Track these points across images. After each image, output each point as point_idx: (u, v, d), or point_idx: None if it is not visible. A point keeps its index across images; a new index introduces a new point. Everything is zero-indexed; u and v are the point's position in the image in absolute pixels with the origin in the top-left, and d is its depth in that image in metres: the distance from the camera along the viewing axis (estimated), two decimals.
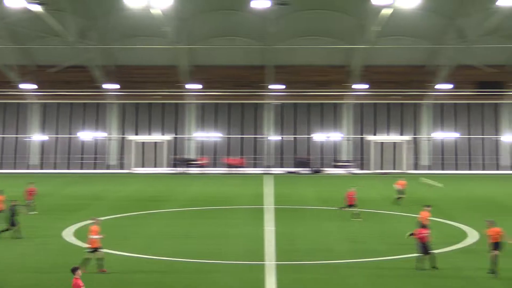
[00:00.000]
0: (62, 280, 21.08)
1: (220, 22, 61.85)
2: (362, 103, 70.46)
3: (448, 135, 71.32)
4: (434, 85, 67.12)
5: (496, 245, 21.70)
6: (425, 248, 22.63)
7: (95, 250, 22.18)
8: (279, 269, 22.71)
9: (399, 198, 40.70)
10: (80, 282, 15.95)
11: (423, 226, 24.91)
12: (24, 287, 20.43)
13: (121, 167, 69.88)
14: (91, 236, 22.36)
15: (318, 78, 68.55)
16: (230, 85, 68.33)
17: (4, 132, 70.61)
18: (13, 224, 28.12)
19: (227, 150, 70.25)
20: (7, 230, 28.13)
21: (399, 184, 41.26)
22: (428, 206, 28.75)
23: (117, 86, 67.03)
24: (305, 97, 69.23)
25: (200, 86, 67.20)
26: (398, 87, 68.23)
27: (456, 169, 69.74)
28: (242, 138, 70.44)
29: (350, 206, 35.00)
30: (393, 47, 63.49)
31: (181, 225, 32.95)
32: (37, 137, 70.30)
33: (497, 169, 70.28)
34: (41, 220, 33.86)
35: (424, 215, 27.81)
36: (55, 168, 69.39)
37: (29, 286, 20.53)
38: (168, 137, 70.37)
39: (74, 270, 16.19)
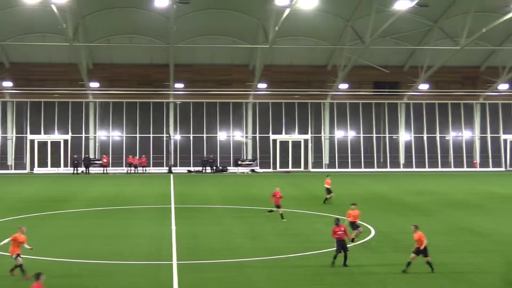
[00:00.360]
0: None
1: (121, 20, 61.08)
2: (267, 102, 71.28)
3: (347, 133, 73.14)
4: (334, 85, 68.77)
5: (423, 250, 22.06)
6: (342, 246, 22.97)
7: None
8: (181, 268, 22.80)
9: (327, 198, 40.43)
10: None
11: (352, 224, 25.79)
12: None
13: (20, 167, 67.93)
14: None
15: (220, 77, 68.92)
16: (132, 83, 67.70)
17: None
18: None
19: (129, 149, 69.49)
20: None
21: (327, 183, 40.94)
22: (354, 204, 28.51)
23: (11, 84, 65.29)
24: (207, 96, 69.42)
25: (97, 85, 66.38)
26: (299, 87, 69.54)
27: (351, 167, 71.66)
28: (144, 137, 69.85)
29: (278, 206, 34.19)
30: (293, 47, 64.59)
31: (83, 225, 32.48)
32: None
33: (397, 167, 72.66)
34: None
35: (353, 213, 27.94)
36: None
37: None
38: (68, 136, 68.94)
39: (38, 276, 16.74)
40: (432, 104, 73.84)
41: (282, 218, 33.76)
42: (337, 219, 23.67)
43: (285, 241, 28.43)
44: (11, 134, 68.45)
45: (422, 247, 21.98)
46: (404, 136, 73.75)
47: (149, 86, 68.03)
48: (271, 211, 34.35)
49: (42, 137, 68.66)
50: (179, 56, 65.04)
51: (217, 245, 27.45)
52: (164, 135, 69.85)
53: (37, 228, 30.45)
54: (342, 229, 23.30)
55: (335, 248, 23.15)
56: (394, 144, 73.76)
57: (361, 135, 72.92)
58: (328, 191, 40.83)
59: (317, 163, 72.00)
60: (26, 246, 22.17)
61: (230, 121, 71.49)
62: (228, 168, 69.24)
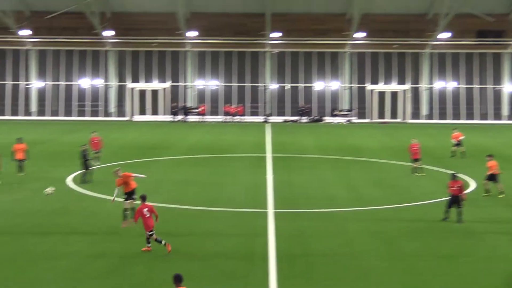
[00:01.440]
0: (61, 225, 21.31)
1: None
2: (363, 52, 70.00)
3: (448, 84, 71.04)
4: (434, 34, 66.64)
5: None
6: (455, 201, 22.17)
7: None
8: (277, 216, 22.92)
9: (455, 151, 39.14)
10: (146, 210, 18.21)
11: (492, 177, 25.82)
12: (24, 230, 20.62)
13: (120, 115, 69.75)
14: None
15: (316, 26, 67.97)
16: (228, 32, 67.78)
17: (3, 79, 70.22)
18: (86, 167, 28.76)
19: (226, 98, 70.05)
20: (85, 173, 28.94)
21: (455, 137, 39.53)
22: (490, 155, 27.62)
23: (113, 33, 66.55)
24: (304, 46, 68.74)
25: (197, 34, 66.77)
26: (398, 36, 67.73)
27: (455, 119, 69.63)
28: (241, 86, 70.19)
29: (415, 160, 32.48)
30: None
31: (181, 172, 33.10)
32: (36, 84, 70.01)
33: (499, 119, 70.15)
34: (41, 167, 33.97)
35: (492, 164, 27.12)
36: (54, 115, 69.24)
37: (29, 229, 20.72)
38: (167, 84, 70.09)
39: (143, 198, 18.56)
40: None
41: (417, 173, 32.23)
42: (454, 174, 22.85)
43: (382, 191, 28.07)
44: (113, 83, 70.19)
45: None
46: (508, 87, 70.84)
47: (245, 35, 67.91)
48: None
49: (141, 85, 70.09)
50: (275, 5, 64.47)
51: (313, 194, 27.41)
52: (261, 84, 69.91)
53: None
54: (458, 184, 22.35)
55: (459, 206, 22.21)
56: (497, 95, 71.04)
57: (462, 86, 70.58)
58: (458, 144, 39.20)
59: (415, 114, 70.43)
60: (140, 175, 22.85)
61: (326, 71, 70.68)
62: (324, 118, 68.80)
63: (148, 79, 70.54)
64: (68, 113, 69.59)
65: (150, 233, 18.39)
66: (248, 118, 68.16)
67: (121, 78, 70.44)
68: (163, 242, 18.37)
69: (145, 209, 18.41)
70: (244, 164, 36.39)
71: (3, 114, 68.79)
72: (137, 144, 45.41)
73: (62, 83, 70.06)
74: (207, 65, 70.45)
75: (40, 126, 60.08)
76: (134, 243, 19.11)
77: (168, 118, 67.81)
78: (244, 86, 70.13)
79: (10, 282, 15.88)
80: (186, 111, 67.76)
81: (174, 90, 70.19)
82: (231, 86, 70.24)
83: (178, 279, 11.97)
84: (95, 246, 18.97)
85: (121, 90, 70.34)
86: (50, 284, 15.88)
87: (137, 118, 68.88)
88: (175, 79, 70.34)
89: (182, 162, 37.02)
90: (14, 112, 69.29)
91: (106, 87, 70.27)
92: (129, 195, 21.59)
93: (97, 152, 34.88)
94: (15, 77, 70.00)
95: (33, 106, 69.81)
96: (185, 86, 70.35)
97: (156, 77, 70.44)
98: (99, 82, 70.37)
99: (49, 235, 20.27)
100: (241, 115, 67.78)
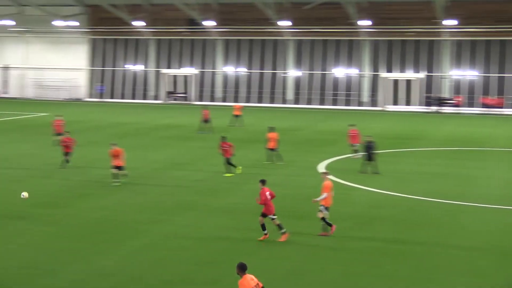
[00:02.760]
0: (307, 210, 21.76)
1: None
2: None
3: None
4: None
5: None
6: None
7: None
8: None
9: None
10: (268, 193, 18.22)
11: None
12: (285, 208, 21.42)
13: (373, 104, 69.82)
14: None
15: None
16: (489, 20, 64.53)
17: (262, 68, 73.68)
18: (369, 158, 29.15)
19: (484, 89, 66.92)
20: (369, 163, 29.03)
21: None
22: None
23: (369, 23, 66.57)
24: None
25: (455, 22, 64.34)
26: None
27: None
28: (500, 77, 66.60)
29: None
30: None
31: (433, 164, 32.29)
32: (292, 73, 72.49)
33: None
34: (295, 153, 35.10)
35: None
36: (308, 104, 71.25)
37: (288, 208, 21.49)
38: (421, 75, 68.70)
39: (263, 182, 18.57)
40: None
41: None
42: None
43: None
44: (366, 72, 70.30)
45: None
46: None
47: (508, 23, 64.05)
48: None
49: (395, 75, 69.42)
50: None
51: None
52: None
53: (388, 165, 31.03)
54: None
55: None
56: None
57: None
58: None
59: None
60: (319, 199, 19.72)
61: None
62: None
63: (401, 69, 69.71)
64: (322, 101, 71.19)
65: (273, 217, 18.32)
66: (507, 111, 64.43)
67: (375, 67, 70.37)
68: (282, 230, 18.29)
69: (267, 193, 18.39)
70: (501, 158, 34.50)
71: (261, 102, 72.25)
72: (389, 134, 45.02)
73: (317, 72, 71.79)
74: (464, 55, 67.79)
75: (295, 113, 62.17)
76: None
77: (422, 109, 66.51)
78: (504, 76, 66.43)
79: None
80: (441, 102, 65.92)
81: (429, 80, 68.59)
82: (489, 77, 66.93)
83: (242, 268, 11.65)
84: (347, 232, 19.09)
85: (374, 80, 70.32)
86: None
87: (390, 108, 68.47)
88: (429, 69, 68.69)
89: (434, 154, 36.07)
90: (272, 100, 72.42)
91: (360, 77, 70.69)
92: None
93: (354, 145, 34.49)
94: (274, 66, 73.08)
95: (289, 94, 72.40)
96: (440, 76, 68.42)
97: (411, 67, 69.32)
98: (353, 71, 71.01)
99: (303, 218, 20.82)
100: (499, 107, 64.31)
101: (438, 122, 54.96)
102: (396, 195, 24.75)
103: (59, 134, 35.57)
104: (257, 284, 11.49)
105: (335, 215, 20.37)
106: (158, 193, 24.55)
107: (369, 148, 29.29)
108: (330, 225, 18.94)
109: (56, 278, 15.36)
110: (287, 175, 28.56)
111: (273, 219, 18.44)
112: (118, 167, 25.73)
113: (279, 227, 18.38)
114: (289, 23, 68.41)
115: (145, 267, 16.06)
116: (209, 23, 70.22)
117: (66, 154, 29.46)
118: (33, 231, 19.14)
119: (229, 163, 28.63)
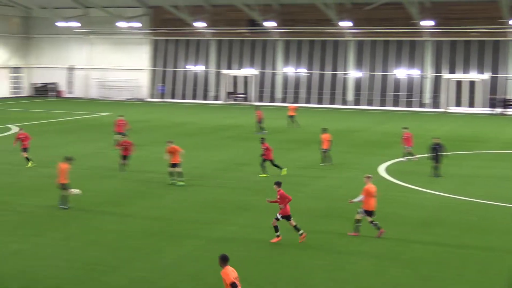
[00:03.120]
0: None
1: None
2: None
3: None
4: None
5: None
6: None
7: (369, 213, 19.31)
8: None
9: None
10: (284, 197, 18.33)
11: None
12: (329, 214, 21.23)
13: (435, 106, 68.67)
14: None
15: None
16: None
17: (322, 69, 73.32)
18: (437, 161, 28.65)
19: None
20: (436, 166, 28.64)
21: None
22: None
23: (432, 23, 65.50)
24: None
25: None
26: None
27: None
28: None
29: None
30: None
31: (498, 167, 31.54)
32: (353, 74, 71.90)
33: None
34: (354, 154, 34.79)
35: None
36: (369, 105, 70.54)
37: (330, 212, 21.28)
38: (486, 75, 67.23)
39: (278, 184, 18.70)
40: None
41: None
42: None
43: None
44: (429, 73, 69.26)
45: None
46: None
47: None
48: None
49: (458, 76, 68.15)
50: None
51: None
52: None
53: (451, 167, 30.39)
54: None
55: None
56: None
57: None
58: None
59: None
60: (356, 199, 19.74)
61: None
62: None
63: (465, 70, 68.38)
64: (382, 102, 70.41)
65: (287, 216, 18.37)
66: None
67: (437, 68, 69.22)
68: (300, 231, 18.31)
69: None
70: None
71: (321, 103, 71.89)
72: (452, 136, 44.12)
73: (378, 73, 71.04)
74: None
75: (355, 114, 61.66)
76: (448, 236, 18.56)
77: (486, 110, 65.09)
78: None
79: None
80: (506, 103, 64.35)
81: (493, 81, 67.09)
82: None
83: (224, 259, 12.06)
84: (408, 236, 18.81)
85: (437, 81, 69.18)
86: None
87: (452, 109, 67.25)
88: (494, 70, 67.19)
89: (499, 157, 35.23)
90: (332, 101, 71.98)
91: (422, 78, 69.64)
92: (368, 213, 19.33)
93: (408, 148, 33.91)
94: (334, 67, 72.63)
95: (350, 95, 71.84)
96: (505, 77, 66.85)
97: (475, 68, 67.94)
98: (415, 72, 70.00)
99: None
100: None
101: (503, 124, 53.70)
102: (459, 198, 24.25)
103: (120, 133, 36.19)
104: (237, 277, 11.86)
105: (395, 217, 20.07)
106: (218, 193, 24.67)
107: (436, 150, 28.74)
108: (378, 228, 18.73)
109: (117, 275, 15.56)
110: (347, 178, 28.25)
111: (289, 220, 18.60)
112: (174, 165, 25.96)
113: (296, 228, 18.52)
114: (350, 23, 67.87)
115: (204, 266, 16.12)
116: (269, 24, 70.26)
117: (124, 157, 28.84)
118: (96, 229, 19.47)
119: (274, 164, 28.54)
